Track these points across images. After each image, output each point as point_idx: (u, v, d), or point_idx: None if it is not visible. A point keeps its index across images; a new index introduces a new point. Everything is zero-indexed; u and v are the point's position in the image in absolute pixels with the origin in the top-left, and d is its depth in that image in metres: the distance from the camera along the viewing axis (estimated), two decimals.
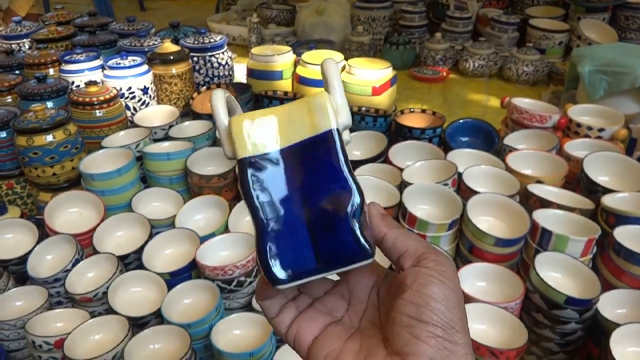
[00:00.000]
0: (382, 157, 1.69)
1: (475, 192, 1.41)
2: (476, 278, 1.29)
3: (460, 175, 1.50)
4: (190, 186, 1.60)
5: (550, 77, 2.69)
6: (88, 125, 1.71)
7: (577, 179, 1.57)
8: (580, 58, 2.07)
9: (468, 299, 1.20)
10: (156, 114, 1.86)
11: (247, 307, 1.32)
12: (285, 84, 2.05)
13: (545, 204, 1.40)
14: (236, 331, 1.23)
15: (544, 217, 1.33)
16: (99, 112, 1.71)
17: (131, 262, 1.38)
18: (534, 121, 1.77)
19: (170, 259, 1.39)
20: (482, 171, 1.52)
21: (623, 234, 1.27)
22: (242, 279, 1.28)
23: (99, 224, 1.43)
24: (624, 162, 1.54)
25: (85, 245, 1.42)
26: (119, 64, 1.87)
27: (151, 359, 1.13)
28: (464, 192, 1.46)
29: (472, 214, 1.34)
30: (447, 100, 2.60)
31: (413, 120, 1.86)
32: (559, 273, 1.26)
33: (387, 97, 1.98)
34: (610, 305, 1.21)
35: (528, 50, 2.67)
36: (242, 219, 1.50)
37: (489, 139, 1.81)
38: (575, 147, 1.68)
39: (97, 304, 1.27)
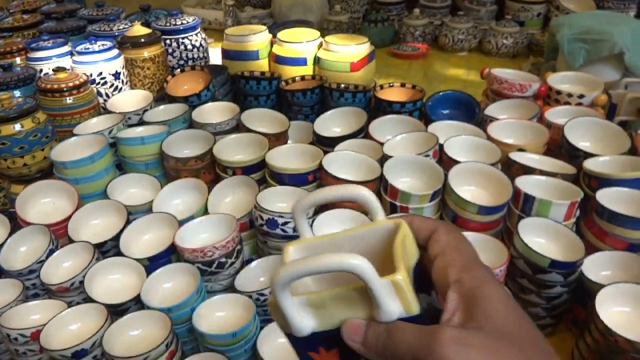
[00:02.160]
0: (362, 133, 1.66)
1: (457, 162, 1.39)
2: None
3: (441, 146, 1.47)
4: (167, 170, 1.56)
5: (530, 49, 2.67)
6: (58, 113, 1.66)
7: (558, 146, 1.56)
8: (559, 27, 2.05)
9: None
10: (130, 100, 1.81)
11: (230, 289, 1.29)
12: (261, 64, 2.01)
13: (527, 170, 1.39)
14: (219, 313, 1.21)
15: (527, 184, 1.32)
16: (69, 99, 1.66)
17: (108, 249, 1.34)
18: (514, 90, 1.75)
19: (149, 245, 1.35)
20: (463, 141, 1.50)
21: (605, 197, 1.26)
22: (223, 260, 1.25)
23: (73, 213, 1.39)
24: (604, 126, 1.53)
25: (60, 235, 1.38)
26: (88, 49, 1.81)
27: (132, 346, 1.10)
28: (446, 162, 1.44)
29: (454, 183, 1.32)
30: (427, 76, 2.57)
31: (393, 94, 1.84)
32: (542, 238, 1.25)
33: (366, 72, 1.95)
34: (595, 267, 1.20)
35: (507, 22, 2.65)
36: (221, 201, 1.47)
37: (469, 111, 1.79)
38: (556, 114, 1.66)
39: (75, 293, 1.23)
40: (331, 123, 1.72)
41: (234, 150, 1.55)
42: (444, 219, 1.38)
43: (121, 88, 1.87)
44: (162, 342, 1.05)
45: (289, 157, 1.50)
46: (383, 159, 1.47)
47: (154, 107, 1.76)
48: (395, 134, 1.56)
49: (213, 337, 1.11)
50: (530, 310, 1.24)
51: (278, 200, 1.40)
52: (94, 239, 1.33)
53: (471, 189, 1.39)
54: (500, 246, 1.24)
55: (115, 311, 1.17)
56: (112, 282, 1.26)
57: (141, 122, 1.70)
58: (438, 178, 1.37)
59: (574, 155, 1.46)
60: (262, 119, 1.70)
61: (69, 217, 1.38)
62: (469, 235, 1.28)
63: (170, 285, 1.24)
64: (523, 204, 1.28)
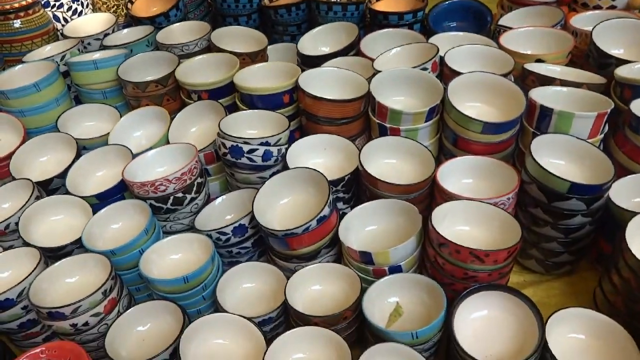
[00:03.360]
0: (353, 50, 1.42)
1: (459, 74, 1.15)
2: (461, 174, 1.07)
3: (442, 58, 1.24)
4: (127, 99, 1.37)
5: None
6: (6, 40, 1.47)
7: (585, 55, 1.30)
8: None
9: (449, 196, 0.98)
10: (91, 24, 1.60)
11: (193, 229, 1.11)
12: None
13: (545, 81, 1.15)
14: (174, 256, 1.04)
15: (544, 96, 1.08)
16: (17, 23, 1.46)
17: (57, 188, 1.17)
18: None
19: (102, 183, 1.18)
20: (469, 51, 1.25)
21: None
22: (180, 195, 1.07)
23: (17, 149, 1.22)
24: None
25: (3, 174, 1.21)
26: None
27: (67, 294, 0.94)
28: (447, 77, 1.21)
29: (456, 99, 1.09)
30: None
31: (390, 6, 1.58)
32: (561, 159, 1.03)
33: None
34: (625, 192, 0.99)
35: None
36: (186, 131, 1.27)
37: (480, 22, 1.52)
38: (583, 21, 1.40)
39: (13, 237, 1.08)
40: (319, 42, 1.49)
41: (200, 73, 1.34)
42: (444, 143, 1.16)
43: (81, 12, 1.65)
44: (98, 289, 0.89)
45: (263, 78, 1.29)
46: (374, 76, 1.24)
47: (117, 32, 1.55)
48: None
49: (162, 283, 0.95)
50: (545, 246, 1.03)
51: (248, 126, 1.20)
52: (42, 178, 1.16)
53: (476, 106, 1.16)
54: (510, 170, 1.03)
55: (55, 256, 1.01)
56: (55, 224, 1.10)
57: (103, 48, 1.50)
58: (437, 95, 1.14)
59: (604, 64, 1.21)
60: (237, 38, 1.48)
61: (12, 153, 1.21)
62: (473, 159, 1.06)
63: (119, 226, 1.07)
64: (539, 120, 1.05)
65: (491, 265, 0.87)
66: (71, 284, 0.97)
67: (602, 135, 1.05)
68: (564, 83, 1.13)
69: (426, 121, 1.12)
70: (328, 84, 1.24)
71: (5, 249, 1.04)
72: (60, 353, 0.85)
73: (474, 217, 0.97)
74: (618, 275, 0.88)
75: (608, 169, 0.97)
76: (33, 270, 0.94)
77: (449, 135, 1.12)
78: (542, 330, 0.81)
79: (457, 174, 1.07)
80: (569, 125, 1.02)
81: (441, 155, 1.19)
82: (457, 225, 0.97)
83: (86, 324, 0.90)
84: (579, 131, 1.03)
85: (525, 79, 1.19)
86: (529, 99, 1.06)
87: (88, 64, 1.33)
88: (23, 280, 0.92)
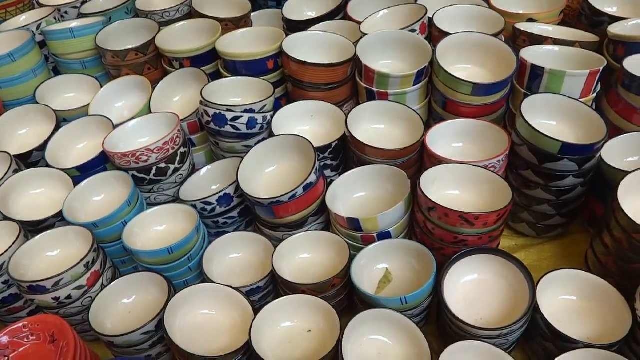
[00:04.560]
0: (340, 13, 1.37)
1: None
2: (451, 138, 1.04)
3: (430, 19, 1.19)
4: (107, 69, 1.32)
5: None
6: None
7: (577, 14, 1.26)
8: None
9: (439, 160, 0.96)
10: None
11: (180, 201, 1.09)
12: None
13: (536, 41, 1.11)
14: (158, 227, 1.02)
15: (535, 55, 1.05)
16: None
17: (37, 161, 1.14)
18: None
19: (83, 156, 1.14)
20: (458, 12, 1.21)
21: (635, 65, 1.00)
22: (163, 165, 1.04)
23: None
24: None
25: None
26: None
27: (49, 268, 0.92)
28: (436, 38, 1.17)
29: (445, 61, 1.06)
30: None
31: None
32: (553, 120, 1.01)
33: None
34: (618, 152, 0.97)
35: None
36: (168, 101, 1.24)
37: None
38: None
39: None
40: (304, 6, 1.43)
41: (182, 40, 1.29)
42: (433, 107, 1.13)
43: None
44: (80, 262, 0.87)
45: (246, 44, 1.25)
46: (361, 39, 1.20)
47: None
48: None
49: (146, 255, 0.92)
50: (536, 208, 1.02)
51: (232, 94, 1.17)
52: (22, 151, 1.13)
53: (466, 68, 1.13)
54: (500, 133, 1.00)
55: (36, 229, 0.98)
56: (36, 197, 1.07)
57: (80, 17, 1.44)
58: (426, 57, 1.10)
59: (597, 22, 1.17)
60: (220, 3, 1.42)
61: None
62: (462, 122, 1.04)
63: (101, 198, 1.05)
64: (530, 80, 1.02)
65: (481, 229, 0.85)
66: (52, 258, 0.95)
67: (595, 95, 1.02)
68: (556, 42, 1.10)
69: (414, 84, 1.08)
70: (314, 48, 1.20)
71: None
72: (43, 326, 0.83)
73: (463, 180, 0.95)
74: (610, 235, 0.87)
75: (600, 128, 0.94)
76: (12, 244, 0.91)
77: (438, 98, 1.09)
78: (533, 292, 0.80)
79: (447, 138, 1.04)
80: (561, 85, 1.00)
81: (430, 119, 1.16)
82: (446, 189, 0.95)
83: (69, 297, 0.88)
84: (570, 90, 1.00)
85: (517, 40, 1.16)
86: (519, 59, 1.03)
87: (65, 32, 1.28)
88: (2, 254, 0.90)
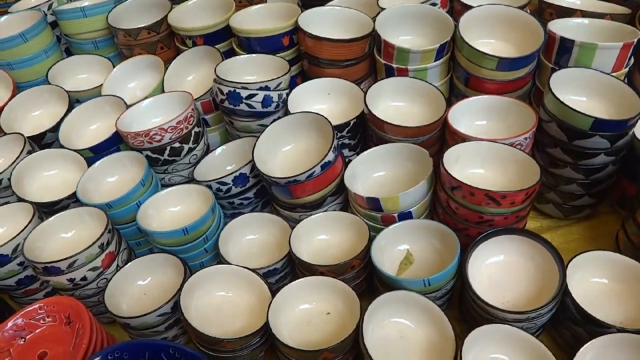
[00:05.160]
0: None
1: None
2: (474, 115, 1.00)
3: None
4: (119, 48, 1.30)
5: None
6: None
7: None
8: None
9: (462, 138, 0.92)
10: None
11: (194, 181, 1.07)
12: None
13: (564, 13, 1.06)
14: (173, 208, 1.00)
15: (564, 28, 1.00)
16: None
17: (50, 142, 1.13)
18: None
19: (97, 135, 1.12)
20: None
21: None
22: (177, 145, 1.02)
23: (6, 103, 1.17)
24: None
25: None
26: None
27: (63, 249, 0.91)
28: (458, 12, 1.12)
29: (468, 35, 1.01)
30: None
31: None
32: (582, 95, 0.96)
33: None
34: None
35: None
36: (181, 80, 1.21)
37: None
38: None
39: (7, 193, 1.04)
40: None
41: (195, 17, 1.26)
42: (455, 83, 1.09)
43: None
44: (94, 243, 0.85)
45: (261, 20, 1.21)
46: (379, 14, 1.15)
47: None
48: None
49: (161, 236, 0.91)
50: (564, 188, 0.98)
51: (246, 72, 1.14)
52: (35, 132, 1.11)
53: (490, 42, 1.08)
54: (526, 109, 0.96)
55: (51, 211, 0.97)
56: (49, 178, 1.05)
57: None
58: (447, 32, 1.06)
59: None
60: None
61: (2, 107, 1.16)
62: (486, 99, 1.00)
63: (115, 179, 1.03)
64: (558, 53, 0.97)
65: (508, 208, 0.82)
66: (67, 239, 0.93)
67: (627, 69, 0.97)
68: (584, 15, 1.05)
69: (436, 60, 1.04)
70: (330, 24, 1.16)
71: None
72: (59, 308, 0.82)
73: (488, 159, 0.91)
74: None
75: (634, 103, 0.89)
76: (27, 226, 0.90)
77: (461, 74, 1.05)
78: (563, 274, 0.76)
79: (470, 115, 1.00)
80: (592, 58, 0.95)
81: (452, 96, 1.12)
82: (470, 168, 0.92)
83: (84, 278, 0.86)
84: (602, 64, 0.95)
85: (543, 13, 1.11)
86: (547, 32, 0.98)
87: (76, 12, 1.26)
88: (17, 235, 0.89)
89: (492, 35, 1.08)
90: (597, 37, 0.99)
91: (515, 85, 1.01)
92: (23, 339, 0.81)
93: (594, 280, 0.81)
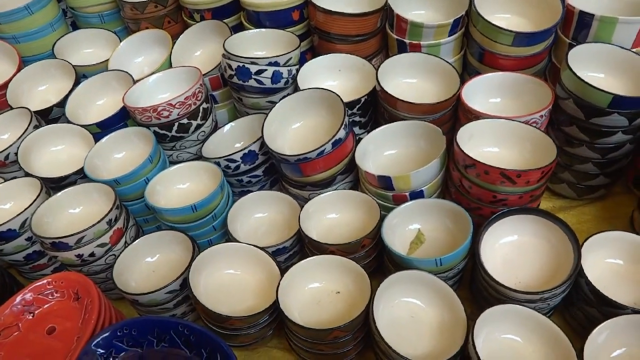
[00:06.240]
0: None
1: None
2: (488, 92, 0.98)
3: None
4: (126, 23, 1.27)
5: None
6: None
7: None
8: None
9: (476, 116, 0.90)
10: None
11: (202, 158, 1.05)
12: None
13: None
14: (181, 185, 0.99)
15: (582, 2, 0.96)
16: None
17: (57, 117, 1.11)
18: None
19: (103, 111, 1.11)
20: None
21: None
22: (185, 121, 1.00)
23: (12, 77, 1.15)
24: None
25: (0, 105, 1.15)
26: None
27: (71, 225, 0.90)
28: None
29: (483, 9, 0.98)
30: None
31: None
32: (601, 72, 0.93)
33: None
34: None
35: None
36: (189, 55, 1.19)
37: None
38: None
39: (14, 168, 1.03)
40: None
41: None
42: (469, 59, 1.06)
43: None
44: (102, 219, 0.84)
45: None
46: None
47: None
48: None
49: (169, 213, 0.90)
50: (578, 167, 0.96)
51: (255, 47, 1.11)
52: (42, 107, 1.10)
53: (506, 17, 1.05)
54: (542, 86, 0.93)
55: (58, 186, 0.96)
56: (56, 153, 1.04)
57: None
58: (461, 6, 1.03)
59: None
60: None
61: (8, 81, 1.14)
62: (501, 75, 0.97)
63: (122, 155, 1.02)
64: (577, 28, 0.94)
65: (523, 187, 0.80)
66: (75, 215, 0.93)
67: None
68: None
69: (449, 35, 1.01)
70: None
71: (6, 181, 0.99)
72: (67, 284, 0.82)
73: (503, 137, 0.89)
74: None
75: None
76: (34, 201, 0.89)
77: (475, 50, 1.02)
78: (578, 254, 0.75)
79: (484, 93, 0.98)
80: (611, 34, 0.92)
81: (465, 73, 1.09)
82: (484, 146, 0.90)
83: (92, 254, 0.86)
84: (622, 40, 0.92)
85: None
86: (565, 5, 0.95)
87: None
88: (24, 210, 0.88)
89: (507, 9, 1.04)
90: (617, 11, 0.96)
91: (531, 61, 0.98)
92: (32, 314, 0.81)
93: (608, 260, 0.79)
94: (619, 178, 1.00)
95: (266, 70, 1.00)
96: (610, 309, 0.72)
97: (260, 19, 1.12)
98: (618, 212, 1.00)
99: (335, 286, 0.83)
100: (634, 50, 0.92)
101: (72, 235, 0.83)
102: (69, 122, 1.07)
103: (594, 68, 0.93)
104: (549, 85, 0.94)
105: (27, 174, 0.98)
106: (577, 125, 0.89)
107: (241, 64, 1.00)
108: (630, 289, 0.77)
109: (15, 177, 1.02)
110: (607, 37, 0.92)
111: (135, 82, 1.08)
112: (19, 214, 0.88)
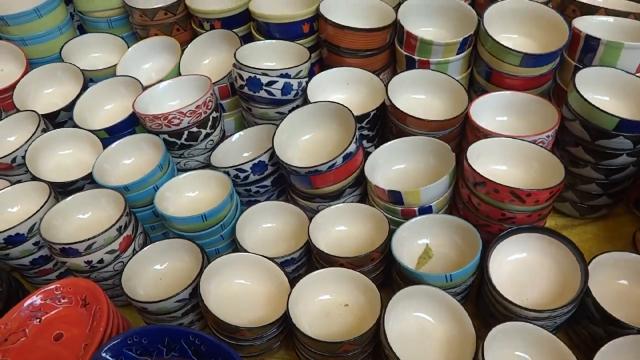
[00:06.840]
0: None
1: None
2: (495, 111, 1.00)
3: None
4: (134, 28, 1.28)
5: None
6: None
7: None
8: None
9: (484, 134, 0.92)
10: None
11: (210, 167, 1.06)
12: None
13: (588, 11, 1.05)
14: (190, 193, 0.99)
15: (588, 26, 0.99)
16: None
17: (64, 121, 1.11)
18: None
19: (111, 117, 1.11)
20: None
21: None
22: (194, 130, 1.01)
23: (19, 79, 1.15)
24: None
25: (7, 106, 1.15)
26: None
27: (80, 231, 0.90)
28: (481, 5, 1.11)
29: (492, 29, 1.01)
30: None
31: None
32: (606, 95, 0.96)
33: None
34: None
35: None
36: (198, 63, 1.19)
37: None
38: None
39: (21, 171, 1.03)
40: None
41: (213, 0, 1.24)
42: (476, 78, 1.08)
43: None
44: (112, 225, 0.84)
45: (281, 5, 1.19)
46: (402, 4, 1.14)
47: None
48: None
49: (179, 221, 0.90)
50: (582, 187, 0.98)
51: (265, 57, 1.12)
52: (48, 111, 1.10)
53: (513, 37, 1.07)
54: (549, 107, 0.96)
55: (66, 191, 0.96)
56: (64, 158, 1.04)
57: None
58: (470, 25, 1.05)
59: None
60: None
61: (15, 83, 1.14)
62: (508, 95, 0.99)
63: (131, 161, 1.02)
64: (583, 51, 0.97)
65: (531, 206, 0.81)
66: (83, 220, 0.92)
67: None
68: (609, 12, 1.04)
69: (458, 53, 1.03)
70: (352, 12, 1.15)
71: (13, 184, 0.99)
72: (75, 290, 0.81)
73: (511, 155, 0.91)
74: None
75: None
76: (43, 205, 0.89)
77: (482, 69, 1.04)
78: (586, 274, 0.76)
79: (491, 111, 1.00)
80: (617, 57, 0.94)
81: (471, 91, 1.11)
82: (492, 164, 0.91)
83: (101, 261, 0.86)
84: (627, 64, 0.95)
85: (565, 9, 1.10)
86: (572, 29, 0.97)
87: None
88: (34, 214, 0.88)
89: (514, 30, 1.07)
90: (622, 36, 0.99)
91: (537, 82, 1.01)
92: (39, 320, 0.81)
93: (613, 280, 0.81)
94: (621, 199, 1.02)
95: (277, 81, 1.01)
96: (616, 328, 0.74)
97: (271, 30, 1.13)
98: (619, 232, 1.02)
99: (344, 299, 0.84)
100: (638, 74, 0.95)
101: (82, 241, 0.82)
102: (75, 126, 1.06)
103: (599, 91, 0.95)
104: (555, 105, 0.97)
105: (34, 178, 0.97)
106: (583, 147, 0.91)
107: (252, 75, 1.00)
108: (634, 309, 0.78)
109: (20, 181, 1.01)
110: (613, 61, 0.95)
111: (144, 88, 1.08)
112: (28, 218, 0.87)
